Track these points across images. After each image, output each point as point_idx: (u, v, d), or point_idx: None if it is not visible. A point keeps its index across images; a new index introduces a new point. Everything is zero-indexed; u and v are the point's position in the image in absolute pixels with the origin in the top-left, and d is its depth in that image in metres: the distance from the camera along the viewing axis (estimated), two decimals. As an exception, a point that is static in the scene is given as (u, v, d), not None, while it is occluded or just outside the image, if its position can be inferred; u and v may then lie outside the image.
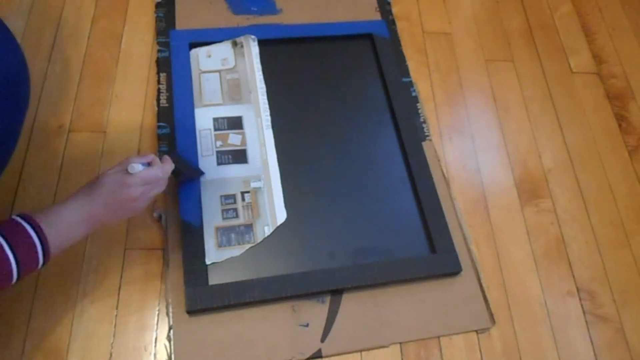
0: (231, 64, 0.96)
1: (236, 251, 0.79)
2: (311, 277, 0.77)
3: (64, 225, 0.59)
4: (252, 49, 0.97)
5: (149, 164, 0.66)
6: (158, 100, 0.91)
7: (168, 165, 0.70)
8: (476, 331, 0.80)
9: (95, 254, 0.78)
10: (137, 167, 0.64)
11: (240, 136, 0.89)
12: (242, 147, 0.88)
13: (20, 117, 0.65)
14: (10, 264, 0.53)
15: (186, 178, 0.81)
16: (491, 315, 0.81)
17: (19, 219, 0.56)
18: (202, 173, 0.83)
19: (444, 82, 1.04)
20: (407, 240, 0.84)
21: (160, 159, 0.70)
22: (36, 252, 0.56)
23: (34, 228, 0.55)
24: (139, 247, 0.79)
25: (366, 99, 0.97)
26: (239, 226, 0.81)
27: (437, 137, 0.97)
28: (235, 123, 0.90)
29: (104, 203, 0.62)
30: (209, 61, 0.96)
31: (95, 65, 0.94)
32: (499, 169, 0.96)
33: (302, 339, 0.75)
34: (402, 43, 1.06)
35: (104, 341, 0.72)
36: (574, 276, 0.88)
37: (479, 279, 0.83)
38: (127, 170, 0.63)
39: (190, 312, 0.73)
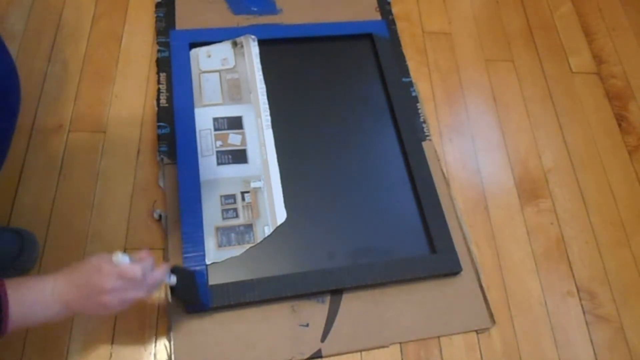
0: (231, 64, 0.96)
1: (236, 251, 0.79)
2: (311, 277, 0.77)
3: (32, 300, 0.54)
4: (252, 49, 0.97)
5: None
6: (158, 100, 0.91)
7: (159, 273, 0.62)
8: (476, 331, 0.80)
9: (96, 254, 0.78)
10: (121, 258, 0.58)
11: (240, 136, 0.89)
12: (242, 147, 0.88)
13: (10, 128, 0.62)
14: None
15: (184, 300, 0.73)
16: (491, 315, 0.81)
17: None
18: (203, 304, 0.73)
19: (444, 82, 1.04)
20: (407, 240, 0.84)
21: (172, 270, 0.66)
22: None
23: None
24: (139, 247, 0.79)
25: (366, 99, 0.97)
26: (239, 226, 0.81)
27: (437, 137, 0.97)
28: (235, 123, 0.90)
29: (77, 286, 0.57)
30: (209, 61, 0.96)
31: (95, 65, 0.94)
32: (499, 169, 0.96)
33: (302, 339, 0.75)
34: (402, 43, 1.06)
35: (104, 341, 0.72)
36: (574, 276, 0.88)
37: (479, 279, 0.83)
38: (111, 258, 0.58)
39: (190, 312, 0.73)
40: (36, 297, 0.55)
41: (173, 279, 0.64)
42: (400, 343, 0.78)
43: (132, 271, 0.58)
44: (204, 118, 0.89)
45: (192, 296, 0.71)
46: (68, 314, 0.58)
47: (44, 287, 0.55)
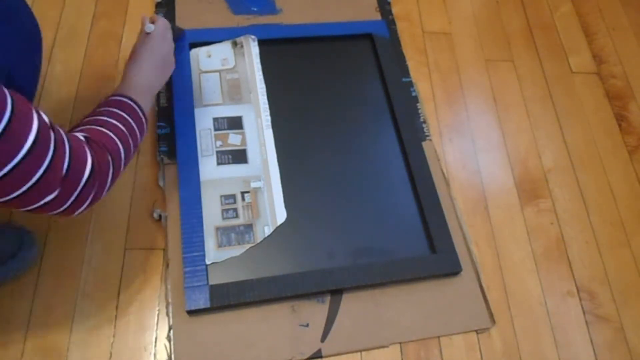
0: (231, 64, 0.96)
1: (236, 251, 0.79)
2: (311, 277, 0.77)
3: (142, 100, 0.67)
4: (252, 49, 0.97)
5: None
6: (158, 100, 0.91)
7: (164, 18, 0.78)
8: (476, 331, 0.80)
9: (95, 254, 0.78)
10: (151, 25, 0.72)
11: (240, 136, 0.89)
12: (242, 147, 0.88)
13: (39, 58, 0.67)
14: (144, 123, 0.66)
15: (175, 36, 0.83)
16: (491, 315, 0.81)
17: (129, 101, 0.65)
18: (182, 31, 0.92)
19: (444, 82, 1.04)
20: (407, 240, 0.84)
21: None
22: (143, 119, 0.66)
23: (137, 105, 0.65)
24: (139, 247, 0.79)
25: (366, 99, 0.97)
26: (239, 226, 0.81)
27: (437, 137, 0.97)
28: (235, 123, 0.90)
29: (151, 69, 0.70)
30: (209, 61, 0.96)
31: (95, 65, 0.94)
32: (499, 169, 0.96)
33: (302, 339, 0.75)
34: (402, 43, 1.06)
35: (104, 341, 0.72)
36: (574, 276, 0.88)
37: (479, 279, 0.83)
38: (146, 33, 0.72)
39: (190, 312, 0.73)
40: (143, 94, 0.68)
41: (151, 27, 0.74)
42: (400, 343, 0.78)
43: (162, 23, 0.74)
44: (204, 118, 0.89)
45: (176, 29, 0.85)
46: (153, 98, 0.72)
47: (140, 88, 0.68)
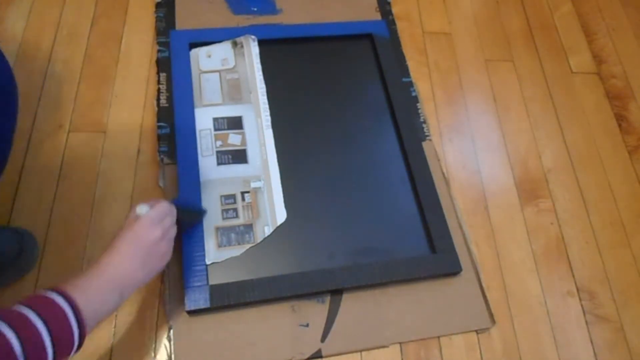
0: (231, 64, 0.96)
1: (236, 251, 0.79)
2: (311, 277, 0.77)
3: (97, 297, 0.52)
4: (252, 49, 0.97)
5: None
6: (158, 100, 0.91)
7: (168, 203, 0.65)
8: (476, 331, 0.80)
9: (96, 254, 0.78)
10: (144, 207, 0.61)
11: (240, 136, 0.89)
12: (242, 147, 0.88)
13: (9, 131, 0.61)
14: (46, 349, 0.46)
15: (188, 224, 0.76)
16: (491, 315, 0.81)
17: (52, 295, 0.49)
18: (204, 212, 0.79)
19: (444, 82, 1.04)
20: (407, 240, 0.84)
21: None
22: (71, 333, 0.48)
23: (68, 303, 0.49)
24: (139, 247, 0.79)
25: (366, 99, 0.97)
26: (239, 226, 0.81)
27: (437, 137, 0.97)
28: (235, 123, 0.90)
29: (130, 257, 0.57)
30: (209, 61, 0.96)
31: (95, 65, 0.94)
32: (499, 169, 0.96)
33: (302, 339, 0.75)
34: (402, 43, 1.06)
35: (104, 341, 0.72)
36: (574, 276, 0.88)
37: (479, 279, 0.83)
38: (136, 216, 0.60)
39: (190, 312, 0.73)
40: (99, 291, 0.53)
41: (143, 209, 0.62)
42: (400, 343, 0.78)
43: (163, 206, 0.62)
44: (204, 118, 0.89)
45: (192, 214, 0.76)
46: (130, 293, 0.58)
47: (101, 282, 0.54)
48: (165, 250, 0.62)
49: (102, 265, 0.55)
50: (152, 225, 0.60)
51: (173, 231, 0.65)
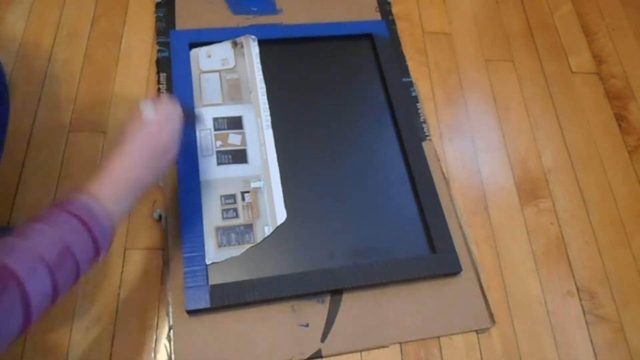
0: (231, 64, 0.96)
1: (236, 251, 0.79)
2: (311, 277, 0.77)
3: (114, 202, 0.54)
4: (252, 49, 0.97)
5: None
6: (158, 100, 0.91)
7: (171, 101, 0.64)
8: (476, 331, 0.80)
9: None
10: (148, 103, 0.59)
11: (240, 136, 0.89)
12: (242, 147, 0.88)
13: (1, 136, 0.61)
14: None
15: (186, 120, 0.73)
16: (491, 315, 0.81)
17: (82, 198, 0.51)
18: (197, 115, 0.81)
19: (444, 82, 1.04)
20: (407, 240, 0.84)
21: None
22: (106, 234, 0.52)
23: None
24: (139, 247, 0.79)
25: (366, 99, 0.97)
26: (239, 226, 0.81)
27: (437, 137, 0.97)
28: (235, 123, 0.90)
29: (147, 158, 0.57)
30: (209, 61, 0.96)
31: (95, 65, 0.94)
32: (499, 169, 0.96)
33: (302, 339, 0.75)
34: (402, 43, 1.06)
35: (104, 341, 0.72)
36: (574, 276, 0.88)
37: (479, 279, 0.83)
38: (140, 114, 0.59)
39: (190, 312, 0.73)
40: (119, 191, 0.55)
41: (150, 114, 0.61)
42: (400, 343, 0.78)
43: (165, 103, 0.61)
44: (204, 118, 0.89)
45: (187, 113, 0.70)
46: (141, 193, 0.59)
47: (121, 188, 0.55)
48: (170, 145, 0.61)
49: (114, 169, 0.56)
50: (162, 128, 0.60)
51: (177, 126, 0.62)
